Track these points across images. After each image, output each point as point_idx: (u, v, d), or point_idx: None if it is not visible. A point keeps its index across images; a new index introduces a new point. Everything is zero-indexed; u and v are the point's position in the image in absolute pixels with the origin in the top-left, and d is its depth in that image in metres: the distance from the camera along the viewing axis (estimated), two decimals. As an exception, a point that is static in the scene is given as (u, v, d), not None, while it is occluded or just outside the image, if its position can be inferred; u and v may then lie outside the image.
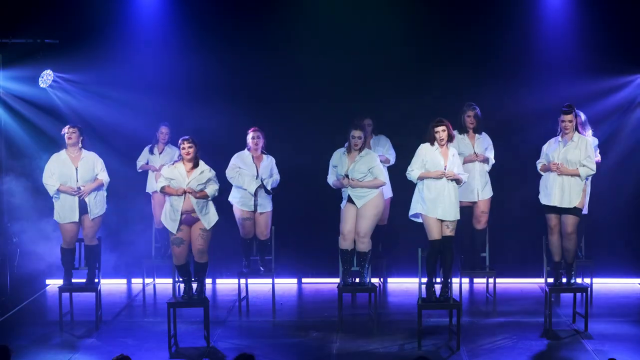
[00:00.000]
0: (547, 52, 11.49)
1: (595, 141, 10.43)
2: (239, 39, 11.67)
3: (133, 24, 11.65)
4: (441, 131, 9.33)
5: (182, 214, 9.27)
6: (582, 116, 10.14)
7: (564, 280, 9.74)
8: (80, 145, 9.92)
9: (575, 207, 9.57)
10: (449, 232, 9.32)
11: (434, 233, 9.33)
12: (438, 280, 9.44)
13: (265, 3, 11.60)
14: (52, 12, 11.49)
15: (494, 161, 10.49)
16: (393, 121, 11.26)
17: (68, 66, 11.58)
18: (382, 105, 11.38)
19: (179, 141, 9.38)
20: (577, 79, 11.31)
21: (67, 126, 9.98)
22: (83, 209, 9.87)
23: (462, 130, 10.42)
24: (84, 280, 10.07)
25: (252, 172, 10.29)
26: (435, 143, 9.37)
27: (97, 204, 9.93)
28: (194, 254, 9.42)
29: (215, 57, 11.63)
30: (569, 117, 9.57)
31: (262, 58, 11.65)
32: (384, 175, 9.89)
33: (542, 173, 9.77)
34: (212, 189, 9.35)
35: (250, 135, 10.36)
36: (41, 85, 11.48)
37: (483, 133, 10.49)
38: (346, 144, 9.84)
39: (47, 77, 11.47)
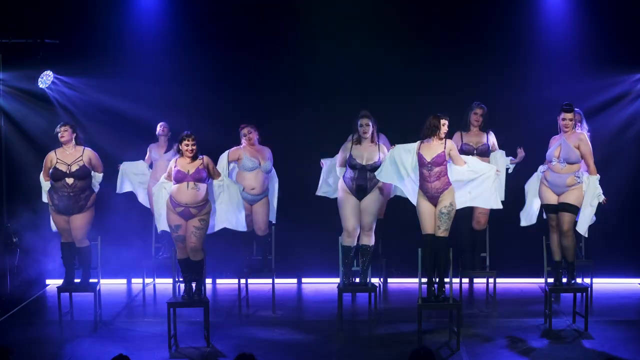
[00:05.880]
0: (547, 50, 11.50)
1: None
2: (239, 39, 11.67)
3: (133, 24, 11.66)
4: (447, 125, 9.26)
5: (181, 206, 9.25)
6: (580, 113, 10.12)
7: (565, 280, 9.75)
8: (74, 142, 9.87)
9: (572, 205, 9.55)
10: (440, 232, 9.30)
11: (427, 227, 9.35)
12: (437, 280, 9.45)
13: (265, 2, 11.63)
14: (52, 12, 11.49)
15: (505, 157, 10.37)
16: (393, 121, 11.26)
17: (68, 66, 11.58)
18: (382, 104, 11.37)
19: (181, 136, 9.29)
20: (577, 78, 11.32)
21: (60, 124, 9.90)
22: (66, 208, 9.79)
23: (465, 128, 10.38)
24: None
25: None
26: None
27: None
28: (188, 253, 9.36)
29: (214, 56, 11.67)
30: (569, 115, 9.54)
31: (261, 57, 11.67)
32: None
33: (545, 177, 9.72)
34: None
35: (242, 132, 10.35)
36: (40, 86, 11.49)
37: (489, 131, 10.43)
38: (353, 136, 9.81)
39: (46, 77, 11.47)
